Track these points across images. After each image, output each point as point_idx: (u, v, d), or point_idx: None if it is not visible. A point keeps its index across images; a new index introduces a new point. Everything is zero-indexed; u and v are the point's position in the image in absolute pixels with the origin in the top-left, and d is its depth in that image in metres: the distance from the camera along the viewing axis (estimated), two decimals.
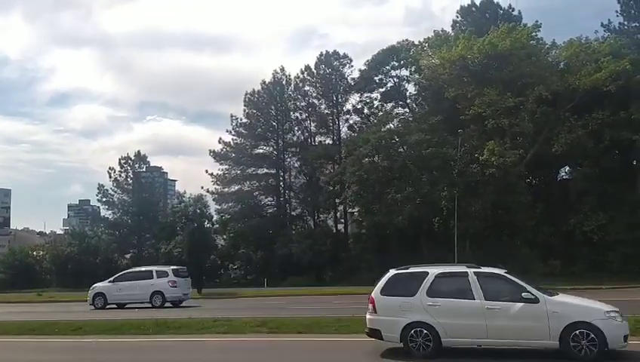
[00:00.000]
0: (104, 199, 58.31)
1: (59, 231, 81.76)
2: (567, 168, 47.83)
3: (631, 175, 41.21)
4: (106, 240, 57.62)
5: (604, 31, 46.07)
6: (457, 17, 51.71)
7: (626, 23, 46.06)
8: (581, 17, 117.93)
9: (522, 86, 40.59)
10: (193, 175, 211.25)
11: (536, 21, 43.72)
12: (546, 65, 41.54)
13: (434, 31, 47.56)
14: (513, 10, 51.05)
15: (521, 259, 39.20)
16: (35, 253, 59.99)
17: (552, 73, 40.58)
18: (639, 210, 38.69)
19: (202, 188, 56.69)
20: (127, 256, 56.96)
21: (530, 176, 45.05)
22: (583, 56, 40.16)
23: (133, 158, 58.71)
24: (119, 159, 58.40)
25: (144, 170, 64.00)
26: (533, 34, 42.46)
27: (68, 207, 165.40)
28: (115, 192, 57.98)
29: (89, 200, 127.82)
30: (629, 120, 38.33)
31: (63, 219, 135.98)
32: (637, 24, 45.72)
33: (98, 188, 58.20)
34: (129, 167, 58.43)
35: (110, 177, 57.64)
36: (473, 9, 51.23)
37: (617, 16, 46.16)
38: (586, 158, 42.84)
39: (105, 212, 61.67)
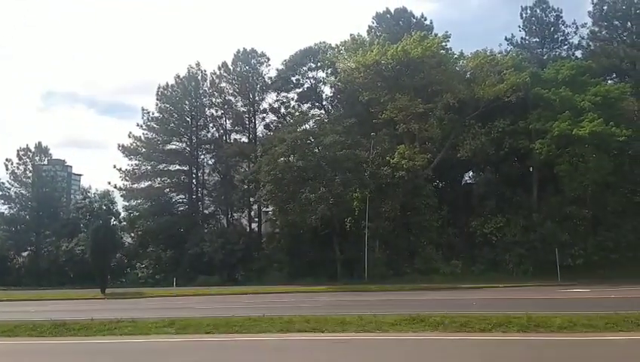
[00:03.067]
0: (0, 193, 54.48)
1: None
2: (471, 173, 50.49)
3: (527, 181, 44.12)
4: (0, 237, 54.11)
5: (508, 44, 49.35)
6: (373, 23, 53.09)
7: (527, 38, 49.49)
8: (488, 31, 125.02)
9: (432, 93, 42.41)
10: (101, 170, 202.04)
11: (446, 31, 45.92)
12: (453, 75, 43.59)
13: (350, 35, 48.54)
14: (425, 19, 53.19)
15: (427, 259, 41.10)
16: None
17: (459, 82, 42.64)
18: (534, 213, 41.64)
19: (109, 183, 54.44)
20: (24, 253, 53.61)
21: (437, 179, 47.00)
22: (487, 67, 42.57)
23: (33, 150, 55.37)
24: (17, 150, 55.03)
25: (45, 162, 60.44)
26: (443, 44, 44.36)
27: None
28: (13, 186, 54.60)
29: None
30: (527, 129, 41.26)
31: None
32: (537, 39, 49.20)
33: None
34: (28, 160, 55.09)
35: (7, 170, 54.25)
36: (388, 15, 52.82)
37: (520, 31, 49.53)
38: (487, 164, 45.57)
39: (0, 207, 57.64)
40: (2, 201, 55.46)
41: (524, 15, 49.18)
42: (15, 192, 54.70)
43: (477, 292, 28.48)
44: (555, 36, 49.05)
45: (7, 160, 54.34)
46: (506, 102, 40.88)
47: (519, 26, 49.48)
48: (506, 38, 49.84)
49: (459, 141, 42.28)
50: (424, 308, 16.98)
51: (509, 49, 48.18)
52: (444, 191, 47.27)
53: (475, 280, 36.32)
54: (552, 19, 48.84)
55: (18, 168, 54.59)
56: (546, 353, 11.01)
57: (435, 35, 46.57)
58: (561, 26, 48.94)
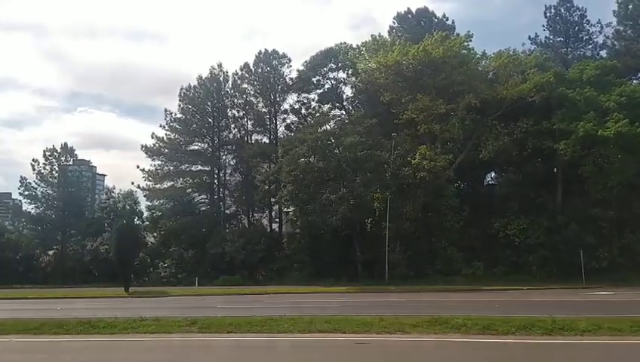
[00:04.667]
0: (27, 193, 55.51)
1: None
2: (493, 174, 49.99)
3: (551, 182, 43.52)
4: (27, 236, 55.33)
5: (531, 44, 48.92)
6: (394, 23, 52.94)
7: (551, 37, 48.97)
8: (511, 30, 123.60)
9: (453, 93, 42.06)
10: (125, 170, 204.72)
11: (468, 31, 45.48)
12: (476, 75, 43.17)
13: (371, 35, 48.45)
14: (447, 19, 52.85)
15: (448, 260, 40.81)
16: None
17: (482, 82, 42.26)
18: (558, 215, 41.04)
19: (133, 183, 55.21)
20: (50, 252, 54.52)
21: (458, 180, 46.60)
22: (510, 67, 42.12)
23: (59, 151, 56.26)
24: (44, 151, 55.86)
25: (71, 163, 61.37)
26: (465, 43, 44.04)
27: None
28: (39, 186, 55.47)
29: (10, 194, 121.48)
30: (551, 129, 40.66)
31: None
32: (561, 39, 48.61)
33: (20, 181, 55.40)
34: (54, 160, 55.92)
35: (34, 170, 55.04)
36: (409, 16, 52.62)
37: (544, 30, 48.99)
38: (510, 165, 45.02)
39: (27, 206, 58.80)
40: (29, 201, 56.50)
41: (548, 14, 48.71)
42: (41, 192, 55.53)
43: (499, 295, 28.19)
44: (580, 35, 48.42)
45: (33, 160, 55.26)
46: (530, 102, 40.39)
47: (543, 26, 49.15)
48: (529, 38, 49.48)
49: (481, 141, 41.88)
50: (445, 309, 16.88)
51: (532, 48, 47.74)
52: (466, 192, 46.89)
53: (497, 282, 35.96)
54: (577, 19, 48.25)
55: (44, 168, 55.38)
56: (571, 356, 10.89)
57: (457, 34, 46.26)
58: (585, 25, 48.35)
